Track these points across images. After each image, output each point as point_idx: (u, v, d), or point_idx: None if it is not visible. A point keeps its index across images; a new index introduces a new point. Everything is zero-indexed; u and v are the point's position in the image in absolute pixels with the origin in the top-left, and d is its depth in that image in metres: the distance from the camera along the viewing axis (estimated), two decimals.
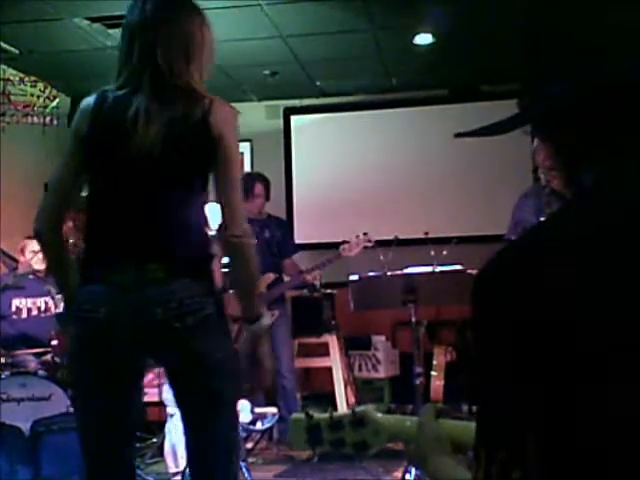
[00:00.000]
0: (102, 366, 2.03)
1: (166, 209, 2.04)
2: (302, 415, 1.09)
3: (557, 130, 0.80)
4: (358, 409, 1.08)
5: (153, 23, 2.08)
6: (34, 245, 4.96)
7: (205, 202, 2.16)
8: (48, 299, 4.94)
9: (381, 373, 5.97)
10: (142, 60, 2.07)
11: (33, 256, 4.95)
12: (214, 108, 2.03)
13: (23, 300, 4.89)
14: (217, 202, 2.08)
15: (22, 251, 4.98)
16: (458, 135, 0.85)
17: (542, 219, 3.47)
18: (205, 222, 2.12)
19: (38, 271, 4.98)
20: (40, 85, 5.60)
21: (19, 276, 4.91)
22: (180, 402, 2.11)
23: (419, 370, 3.80)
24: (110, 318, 1.99)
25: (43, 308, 4.92)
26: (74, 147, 2.11)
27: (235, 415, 2.20)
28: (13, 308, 4.85)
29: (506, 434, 0.71)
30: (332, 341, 5.64)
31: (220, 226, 2.08)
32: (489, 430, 0.73)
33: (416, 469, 3.58)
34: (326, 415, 1.07)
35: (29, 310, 4.90)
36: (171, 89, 2.04)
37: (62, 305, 4.89)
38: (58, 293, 4.91)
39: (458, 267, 3.90)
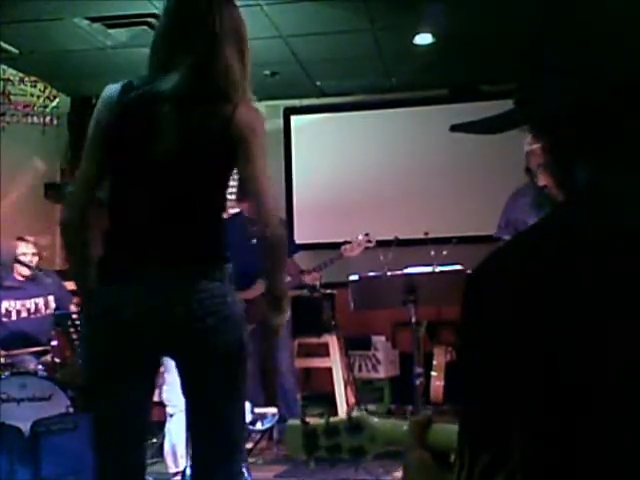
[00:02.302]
0: (124, 366, 2.04)
1: (187, 211, 2.04)
2: (298, 422, 1.09)
3: (555, 129, 0.80)
4: (354, 415, 1.08)
5: (208, 14, 2.03)
6: (22, 247, 4.94)
7: (223, 205, 2.16)
8: (38, 300, 4.93)
9: (381, 373, 5.97)
10: (193, 51, 2.02)
11: (22, 258, 4.93)
12: (238, 112, 2.01)
13: (12, 302, 4.87)
14: (249, 202, 2.12)
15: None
16: (454, 128, 0.84)
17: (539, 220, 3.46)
18: (223, 223, 2.12)
19: (21, 262, 4.92)
20: (40, 85, 5.62)
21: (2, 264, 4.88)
22: (194, 399, 2.12)
23: (419, 370, 3.80)
24: (134, 319, 2.00)
25: (33, 310, 4.91)
26: (96, 138, 2.07)
27: (244, 413, 2.22)
28: (3, 310, 4.84)
29: (490, 437, 0.71)
30: (332, 341, 5.64)
31: (255, 223, 2.09)
32: (473, 432, 0.73)
33: None
34: (322, 421, 1.07)
35: (18, 312, 4.88)
36: (206, 89, 2.01)
37: (53, 306, 4.89)
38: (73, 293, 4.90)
39: (458, 267, 3.90)
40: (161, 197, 2.02)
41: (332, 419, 1.08)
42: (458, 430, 0.74)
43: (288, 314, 2.19)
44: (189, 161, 2.01)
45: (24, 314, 4.89)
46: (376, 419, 1.07)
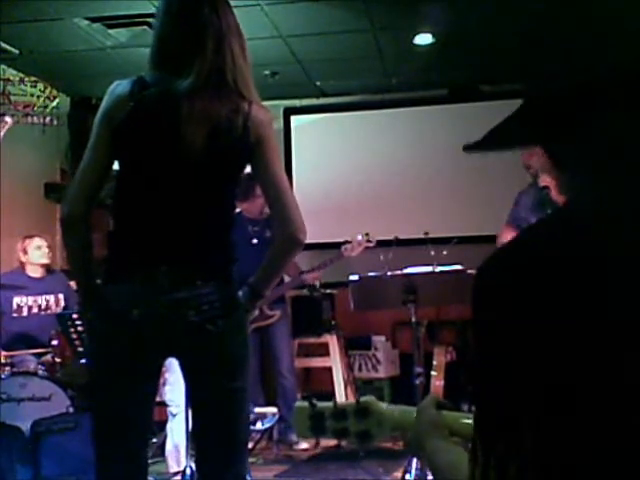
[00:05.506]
0: (129, 366, 2.02)
1: (200, 212, 2.03)
2: (306, 403, 1.09)
3: (554, 136, 0.80)
4: (362, 399, 1.09)
5: (213, 13, 2.03)
6: (36, 242, 4.97)
7: (234, 206, 2.17)
8: (49, 297, 4.95)
9: (381, 373, 5.97)
10: (204, 51, 2.00)
11: (37, 252, 4.95)
12: (252, 112, 2.02)
13: (24, 298, 4.89)
14: (268, 203, 2.13)
15: (25, 250, 4.98)
16: (467, 148, 0.85)
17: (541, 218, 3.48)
18: (232, 226, 2.13)
19: (46, 265, 5.00)
20: (40, 85, 5.61)
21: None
22: (200, 400, 2.11)
23: (419, 370, 3.80)
24: (143, 319, 1.98)
25: (44, 306, 4.93)
26: (104, 134, 2.02)
27: (249, 414, 2.25)
28: (14, 306, 4.85)
29: (503, 430, 0.72)
30: (332, 341, 5.65)
31: (274, 223, 2.15)
32: (486, 426, 0.73)
33: (415, 457, 3.59)
34: (330, 404, 1.08)
35: (30, 308, 4.90)
36: (222, 88, 2.01)
37: (63, 304, 4.91)
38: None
39: (458, 267, 3.90)
40: (177, 196, 2.00)
41: (340, 403, 1.08)
42: (472, 426, 0.75)
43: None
44: (213, 158, 2.00)
45: (35, 310, 4.90)
46: (384, 404, 1.07)
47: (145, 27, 5.03)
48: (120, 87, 2.04)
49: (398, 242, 5.19)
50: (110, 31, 5.19)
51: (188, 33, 2.03)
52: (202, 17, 2.03)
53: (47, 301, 4.94)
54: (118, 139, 2.02)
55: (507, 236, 3.88)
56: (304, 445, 5.14)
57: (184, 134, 1.96)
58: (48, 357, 4.54)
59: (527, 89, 0.83)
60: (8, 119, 4.44)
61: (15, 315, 4.84)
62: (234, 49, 2.04)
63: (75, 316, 4.24)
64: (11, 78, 5.53)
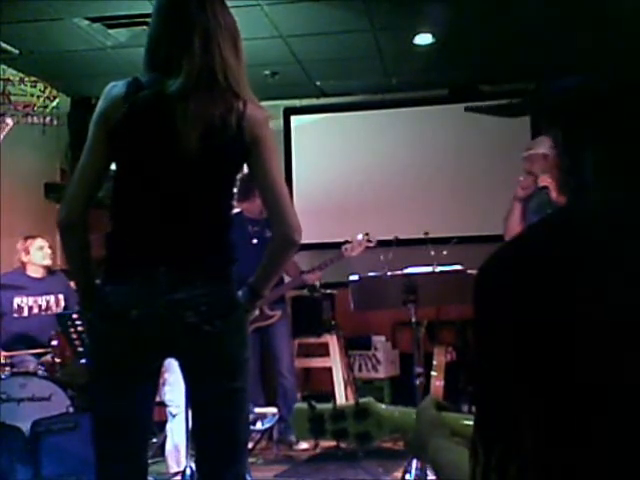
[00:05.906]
0: (128, 366, 2.03)
1: (197, 212, 2.03)
2: (305, 405, 1.09)
3: (563, 117, 0.80)
4: (361, 401, 1.09)
5: (201, 12, 2.02)
6: (38, 242, 4.97)
7: (232, 206, 2.17)
8: (50, 297, 4.95)
9: (381, 373, 5.97)
10: (191, 50, 2.00)
11: (39, 253, 4.96)
12: (247, 112, 2.02)
13: (24, 298, 4.89)
14: (263, 204, 2.13)
15: (27, 251, 4.98)
16: (468, 109, 0.85)
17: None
18: (230, 225, 2.13)
19: (47, 266, 5.00)
20: (40, 85, 5.61)
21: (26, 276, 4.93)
22: (200, 401, 2.11)
23: (419, 370, 3.79)
24: (142, 319, 1.98)
25: (44, 307, 4.93)
26: (100, 135, 2.03)
27: (248, 414, 2.25)
28: (15, 306, 4.85)
29: (503, 430, 0.72)
30: (332, 341, 5.64)
31: (270, 224, 2.14)
32: (487, 426, 0.73)
33: (416, 458, 3.59)
34: (329, 406, 1.08)
35: (30, 308, 4.90)
36: (214, 87, 2.00)
37: (63, 304, 4.91)
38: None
39: (458, 267, 3.90)
40: (174, 197, 2.00)
41: (339, 404, 1.08)
42: (473, 426, 0.75)
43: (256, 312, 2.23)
44: (209, 159, 2.00)
45: (35, 310, 4.90)
46: (383, 406, 1.07)
47: (145, 27, 5.01)
48: (115, 89, 2.04)
49: (398, 242, 5.19)
50: (110, 31, 5.19)
51: (176, 33, 2.03)
52: (190, 16, 2.02)
53: (47, 301, 4.94)
54: (114, 140, 2.02)
55: (516, 211, 3.91)
56: (304, 445, 5.14)
57: (179, 135, 1.97)
58: (48, 357, 4.54)
59: (533, 89, 0.83)
60: (9, 121, 4.44)
61: (15, 315, 4.84)
62: (224, 47, 2.02)
63: (75, 316, 4.24)
64: (11, 78, 5.53)
